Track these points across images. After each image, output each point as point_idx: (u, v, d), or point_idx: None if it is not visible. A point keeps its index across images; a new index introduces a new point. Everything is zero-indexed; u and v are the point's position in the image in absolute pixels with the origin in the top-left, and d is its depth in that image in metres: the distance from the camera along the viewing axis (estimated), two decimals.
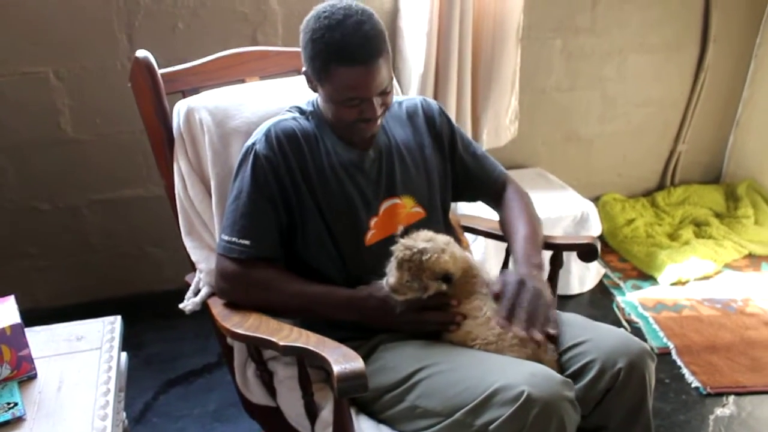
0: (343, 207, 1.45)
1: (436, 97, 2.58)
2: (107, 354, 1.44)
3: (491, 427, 1.15)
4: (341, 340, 1.25)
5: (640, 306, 2.67)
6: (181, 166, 1.60)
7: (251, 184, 1.41)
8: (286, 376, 1.51)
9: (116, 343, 1.48)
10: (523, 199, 1.65)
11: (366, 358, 1.37)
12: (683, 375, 2.28)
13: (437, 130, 1.62)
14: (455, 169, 1.65)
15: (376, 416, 1.36)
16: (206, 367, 2.36)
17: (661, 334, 2.48)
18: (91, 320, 1.56)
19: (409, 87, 2.59)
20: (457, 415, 1.20)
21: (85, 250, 2.64)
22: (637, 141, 3.34)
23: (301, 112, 1.52)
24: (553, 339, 1.34)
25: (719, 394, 2.19)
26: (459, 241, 1.60)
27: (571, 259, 2.59)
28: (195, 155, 1.60)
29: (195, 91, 1.67)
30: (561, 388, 1.18)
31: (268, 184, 1.41)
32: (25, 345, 1.34)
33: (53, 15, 2.29)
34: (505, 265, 1.73)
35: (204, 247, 1.60)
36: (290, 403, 1.48)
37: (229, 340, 1.56)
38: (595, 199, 3.22)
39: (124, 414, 1.61)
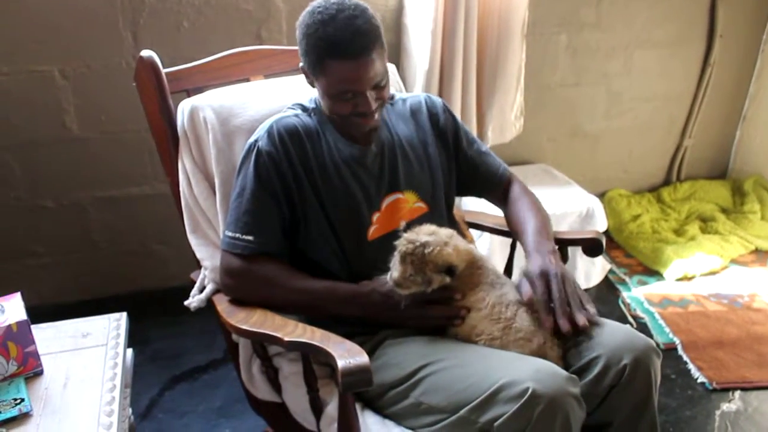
0: (345, 202, 1.45)
1: (441, 94, 2.58)
2: (113, 350, 1.45)
3: (496, 423, 1.15)
4: (346, 336, 1.26)
5: (646, 301, 2.66)
6: (185, 164, 1.60)
7: (254, 181, 1.41)
8: (291, 371, 1.51)
9: (122, 339, 1.49)
10: (531, 196, 1.65)
11: (371, 353, 1.37)
12: (689, 370, 2.28)
13: (441, 127, 1.62)
14: (459, 166, 1.65)
15: (382, 412, 1.36)
16: (212, 363, 2.36)
17: (667, 329, 2.47)
18: (97, 317, 1.57)
19: (414, 84, 2.59)
20: (462, 411, 1.20)
21: (91, 247, 2.65)
22: (643, 136, 3.33)
23: (303, 108, 1.53)
24: (560, 334, 1.35)
25: (725, 390, 2.19)
26: (463, 236, 1.59)
27: (577, 254, 2.58)
28: (199, 153, 1.61)
29: (199, 90, 1.67)
30: (566, 385, 1.18)
31: (271, 180, 1.41)
32: (32, 341, 1.35)
33: (58, 14, 2.30)
34: (509, 261, 1.73)
35: (209, 245, 1.61)
36: (295, 398, 1.49)
37: (234, 336, 1.57)
38: (601, 195, 3.21)
39: (130, 410, 1.62)
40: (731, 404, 2.13)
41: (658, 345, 1.51)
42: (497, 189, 1.69)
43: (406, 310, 1.36)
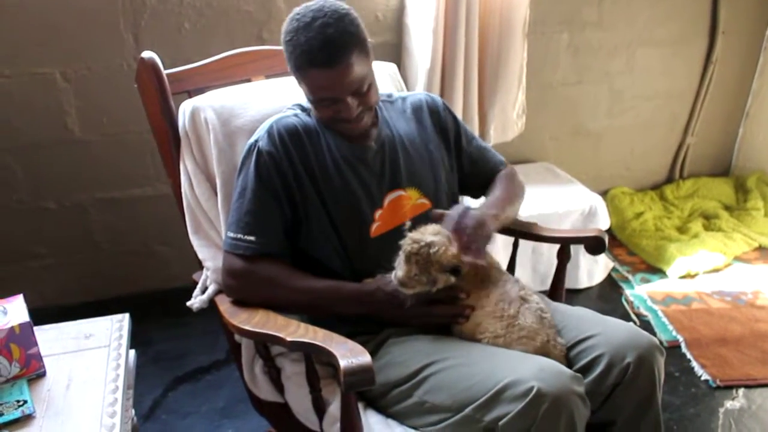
0: (347, 200, 1.45)
1: (442, 93, 2.58)
2: (115, 352, 1.45)
3: (501, 422, 1.15)
4: (349, 335, 1.25)
5: (649, 299, 2.66)
6: (187, 165, 1.60)
7: (255, 181, 1.41)
8: (293, 372, 1.51)
9: (124, 340, 1.49)
10: (514, 180, 1.66)
11: (374, 353, 1.37)
12: (693, 368, 2.27)
13: (442, 125, 1.62)
14: (461, 163, 1.65)
15: (385, 411, 1.36)
16: (214, 363, 2.36)
17: (671, 327, 2.47)
18: (100, 318, 1.57)
19: (415, 83, 2.59)
20: (466, 410, 1.20)
21: (93, 248, 2.65)
22: (646, 134, 3.32)
23: (303, 108, 1.54)
24: (561, 333, 1.34)
25: (729, 387, 2.18)
26: None
27: (580, 252, 2.58)
28: (201, 154, 1.60)
29: (201, 91, 1.67)
30: (570, 383, 1.18)
31: (272, 180, 1.41)
32: (34, 343, 1.35)
33: (59, 16, 2.30)
34: (512, 258, 1.72)
35: (211, 245, 1.61)
36: (298, 399, 1.48)
37: (236, 336, 1.57)
38: (604, 193, 3.21)
39: (133, 411, 1.62)
40: (735, 402, 2.13)
41: (661, 343, 1.51)
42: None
43: (410, 309, 1.36)
